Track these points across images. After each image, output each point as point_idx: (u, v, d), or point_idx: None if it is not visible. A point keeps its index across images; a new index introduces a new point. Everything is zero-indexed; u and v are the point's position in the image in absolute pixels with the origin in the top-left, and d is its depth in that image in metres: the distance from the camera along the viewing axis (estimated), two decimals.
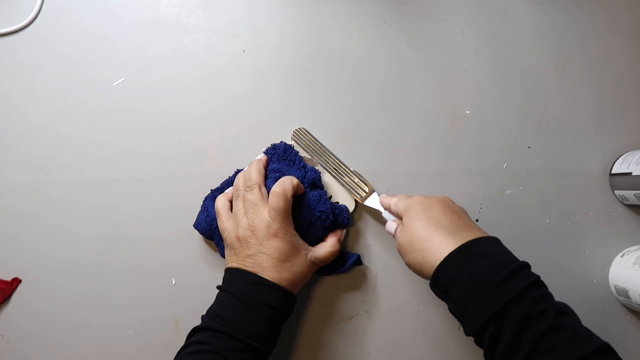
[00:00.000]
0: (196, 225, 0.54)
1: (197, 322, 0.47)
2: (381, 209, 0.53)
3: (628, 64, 0.59)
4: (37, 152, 0.57)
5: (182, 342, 0.46)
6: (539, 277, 0.40)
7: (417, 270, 0.44)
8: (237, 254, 0.48)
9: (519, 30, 0.60)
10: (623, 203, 0.56)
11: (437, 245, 0.42)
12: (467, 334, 0.40)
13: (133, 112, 0.58)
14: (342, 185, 0.55)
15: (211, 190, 0.55)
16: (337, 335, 0.53)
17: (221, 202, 0.52)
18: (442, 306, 0.53)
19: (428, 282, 0.44)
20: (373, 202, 0.53)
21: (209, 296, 0.49)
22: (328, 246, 0.50)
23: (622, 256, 0.54)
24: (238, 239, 0.48)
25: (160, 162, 0.57)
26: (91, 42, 0.59)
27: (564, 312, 0.38)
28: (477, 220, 0.56)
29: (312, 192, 0.52)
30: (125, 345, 0.53)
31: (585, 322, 0.54)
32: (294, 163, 0.54)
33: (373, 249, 0.55)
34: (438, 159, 0.57)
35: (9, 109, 0.58)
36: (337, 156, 0.56)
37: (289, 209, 0.48)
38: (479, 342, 0.40)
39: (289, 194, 0.48)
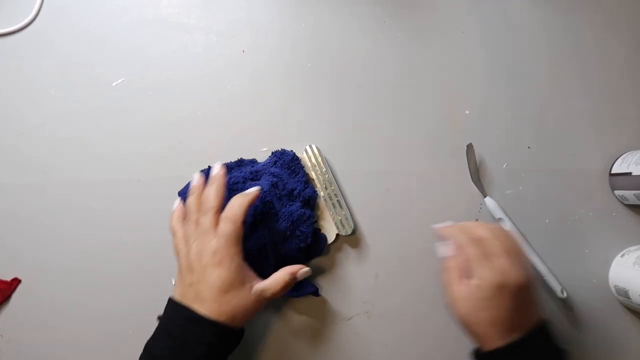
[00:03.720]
0: (181, 194, 0.53)
1: None
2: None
3: (628, 63, 0.59)
4: (37, 152, 0.57)
5: None
6: None
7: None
8: (183, 281, 0.46)
9: (519, 30, 0.60)
10: (623, 203, 0.56)
11: (488, 338, 0.42)
12: None
13: (133, 112, 0.58)
14: (331, 215, 0.54)
15: (209, 166, 0.54)
16: (337, 336, 0.53)
17: (176, 220, 0.49)
18: (442, 306, 0.53)
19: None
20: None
21: None
22: (277, 282, 0.46)
23: (622, 256, 0.54)
24: (187, 264, 0.46)
25: (160, 163, 0.57)
26: (91, 42, 0.59)
27: None
28: (476, 220, 0.56)
29: (302, 210, 0.52)
30: (125, 345, 0.53)
31: (585, 322, 0.54)
32: (296, 175, 0.54)
33: (373, 249, 0.55)
34: (438, 159, 0.57)
35: (8, 109, 0.58)
36: (340, 186, 0.56)
37: (239, 236, 0.46)
38: None
39: (239, 219, 0.46)
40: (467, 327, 0.44)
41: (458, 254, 0.45)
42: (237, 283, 0.45)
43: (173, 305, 0.45)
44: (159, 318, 0.47)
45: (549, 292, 0.54)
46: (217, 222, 0.46)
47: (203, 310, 0.43)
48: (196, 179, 0.50)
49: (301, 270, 0.48)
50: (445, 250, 0.47)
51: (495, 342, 0.42)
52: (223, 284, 0.44)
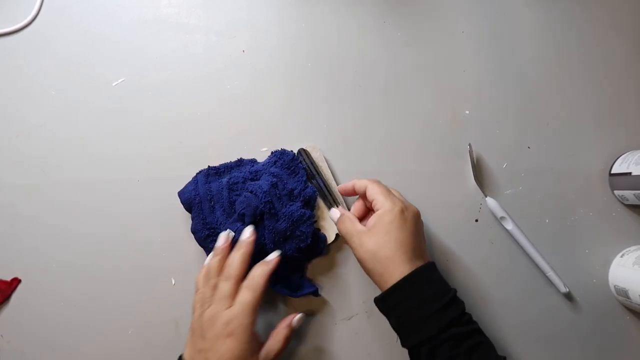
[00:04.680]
0: (180, 194, 0.54)
1: None
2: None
3: (628, 63, 0.59)
4: (37, 152, 0.57)
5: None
6: (463, 302, 0.45)
7: (369, 274, 0.47)
8: (193, 344, 0.45)
9: (519, 31, 0.60)
10: (623, 203, 0.56)
11: (398, 268, 0.44)
12: (404, 345, 0.45)
13: (133, 112, 0.58)
14: (330, 215, 0.54)
15: (209, 166, 0.55)
16: (337, 336, 0.53)
17: (202, 278, 0.48)
18: None
19: None
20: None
21: None
22: (278, 340, 0.47)
23: (621, 256, 0.54)
24: (198, 328, 0.45)
25: (160, 163, 0.57)
26: (91, 42, 0.59)
27: (481, 331, 0.45)
28: (476, 221, 0.56)
29: (302, 210, 0.52)
30: (125, 345, 0.53)
31: (585, 321, 0.54)
32: (296, 175, 0.54)
33: None
34: (438, 159, 0.57)
35: (8, 109, 0.58)
36: (337, 185, 0.55)
37: (257, 305, 0.45)
38: (414, 355, 0.44)
39: (260, 289, 0.45)
40: (376, 255, 0.45)
41: (345, 211, 0.51)
42: (247, 355, 0.44)
43: None
44: None
45: (551, 289, 0.54)
46: (236, 290, 0.46)
47: None
48: (222, 239, 0.49)
49: (295, 318, 0.49)
50: (335, 213, 0.51)
51: (402, 267, 0.44)
52: (233, 356, 0.43)
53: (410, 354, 0.45)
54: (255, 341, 0.45)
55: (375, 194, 0.48)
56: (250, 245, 0.48)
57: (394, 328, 0.46)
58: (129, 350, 0.53)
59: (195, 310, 0.46)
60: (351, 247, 0.48)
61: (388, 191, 0.49)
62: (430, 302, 0.43)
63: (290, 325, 0.48)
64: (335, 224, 0.51)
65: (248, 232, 0.49)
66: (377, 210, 0.47)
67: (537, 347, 0.53)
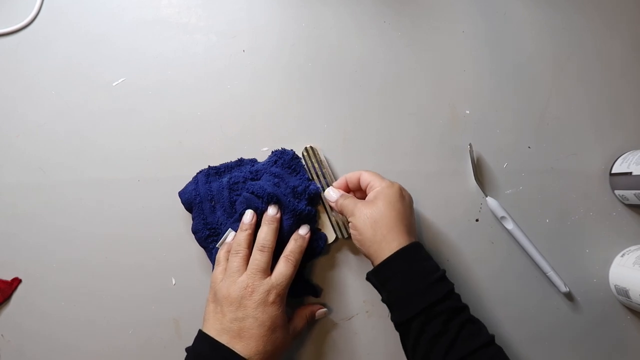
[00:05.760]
0: (181, 194, 0.54)
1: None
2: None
3: (627, 63, 0.59)
4: (37, 152, 0.57)
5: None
6: (453, 283, 0.46)
7: (364, 248, 0.47)
8: (222, 314, 0.45)
9: (519, 31, 0.60)
10: (623, 203, 0.56)
11: (397, 237, 0.45)
12: (396, 319, 0.45)
13: (133, 112, 0.58)
14: (329, 217, 0.54)
15: (209, 166, 0.55)
16: (337, 335, 0.53)
17: (223, 254, 0.50)
18: None
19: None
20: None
21: None
22: (302, 317, 0.51)
23: (622, 256, 0.54)
24: (228, 298, 0.45)
25: (160, 162, 0.57)
26: (91, 42, 0.59)
27: (468, 308, 0.45)
28: (477, 220, 0.56)
29: (309, 207, 0.52)
30: (126, 344, 0.53)
31: (586, 321, 0.54)
32: (297, 174, 0.54)
33: None
34: (438, 159, 0.57)
35: (9, 109, 0.58)
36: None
37: (293, 277, 0.48)
38: (404, 330, 0.44)
39: (297, 262, 0.48)
40: (377, 223, 0.46)
41: (345, 194, 0.51)
42: (284, 323, 0.47)
43: (211, 345, 0.44)
44: (187, 350, 0.46)
45: (551, 288, 0.54)
46: (270, 261, 0.48)
47: (244, 349, 0.43)
48: (249, 216, 0.50)
49: (321, 310, 0.52)
50: (334, 193, 0.51)
51: (400, 237, 0.45)
52: (273, 324, 0.45)
53: (401, 329, 0.45)
54: (286, 312, 0.48)
55: (371, 178, 0.50)
56: (278, 221, 0.50)
57: (386, 302, 0.46)
58: (130, 350, 0.53)
59: (219, 282, 0.47)
60: (353, 217, 0.48)
61: (381, 176, 0.50)
62: (423, 277, 0.44)
63: (313, 312, 0.52)
64: (334, 203, 0.51)
65: (274, 210, 0.50)
66: (376, 189, 0.48)
67: (537, 347, 0.53)
